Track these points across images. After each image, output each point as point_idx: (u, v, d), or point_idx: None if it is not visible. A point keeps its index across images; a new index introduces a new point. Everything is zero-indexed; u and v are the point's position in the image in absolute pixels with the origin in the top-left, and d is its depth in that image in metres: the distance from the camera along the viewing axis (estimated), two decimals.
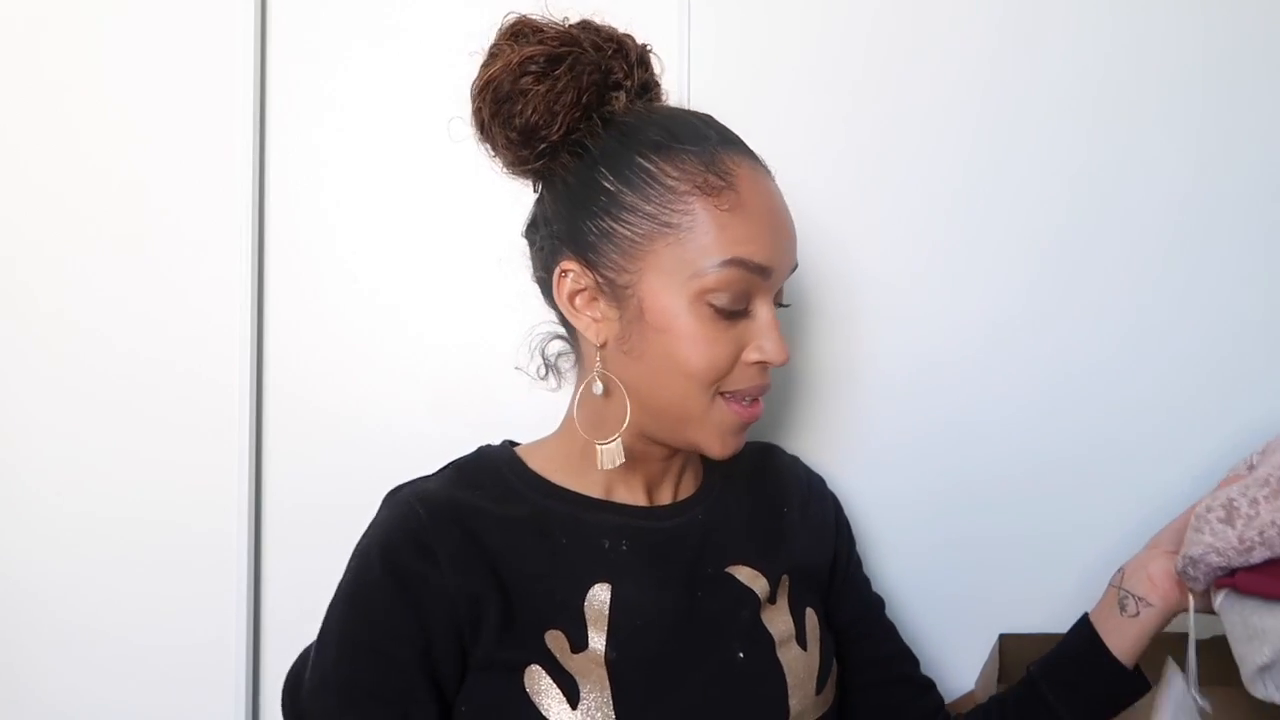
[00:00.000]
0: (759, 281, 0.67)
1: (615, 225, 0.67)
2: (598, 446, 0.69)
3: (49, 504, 0.97)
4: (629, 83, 0.70)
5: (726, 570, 0.74)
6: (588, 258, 0.68)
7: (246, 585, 0.96)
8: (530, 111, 0.67)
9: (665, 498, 0.76)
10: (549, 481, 0.73)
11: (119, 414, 0.97)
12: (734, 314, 0.67)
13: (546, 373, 0.80)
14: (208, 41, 0.97)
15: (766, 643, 0.72)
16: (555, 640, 0.66)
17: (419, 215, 0.98)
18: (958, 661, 0.96)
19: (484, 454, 0.76)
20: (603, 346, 0.70)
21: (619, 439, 0.69)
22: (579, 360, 0.75)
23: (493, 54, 0.69)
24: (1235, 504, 0.70)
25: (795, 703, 0.71)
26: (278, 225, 0.99)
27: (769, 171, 0.71)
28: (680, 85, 0.95)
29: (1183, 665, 0.76)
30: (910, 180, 0.97)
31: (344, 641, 0.66)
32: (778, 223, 0.69)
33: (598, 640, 0.66)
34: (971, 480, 0.97)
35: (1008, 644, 0.90)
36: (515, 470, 0.74)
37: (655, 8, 0.96)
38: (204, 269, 0.97)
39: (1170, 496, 0.93)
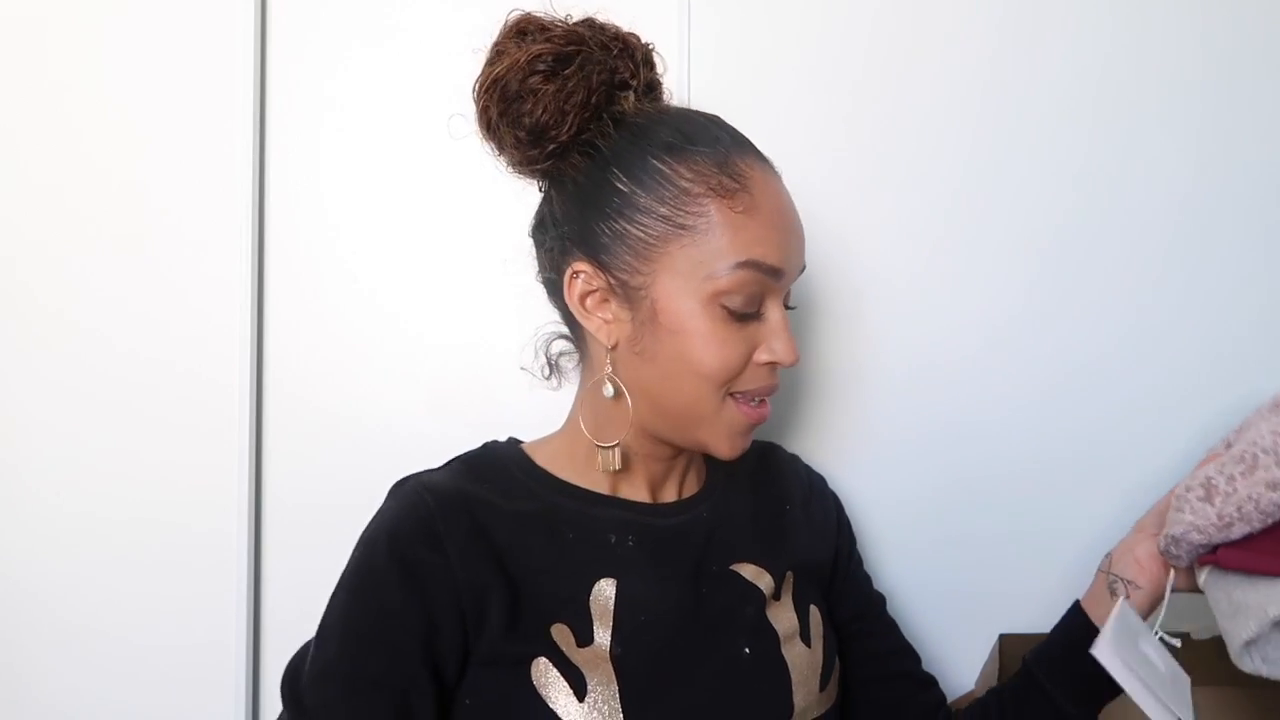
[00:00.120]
0: (771, 283, 0.68)
1: (629, 227, 0.67)
2: (599, 448, 0.70)
3: (49, 504, 0.97)
4: (636, 82, 0.70)
5: (731, 568, 0.74)
6: (600, 259, 0.68)
7: (246, 585, 0.96)
8: (540, 111, 0.67)
9: (670, 496, 0.77)
10: (556, 477, 0.73)
11: (119, 414, 0.97)
12: (746, 316, 0.68)
13: (550, 373, 0.80)
14: (208, 42, 0.97)
15: (771, 638, 0.72)
16: (561, 634, 0.66)
17: (419, 215, 0.98)
18: (958, 661, 0.96)
19: (490, 449, 0.76)
20: (613, 348, 0.70)
21: (618, 448, 0.70)
22: (584, 360, 0.76)
23: (498, 51, 0.69)
24: (1213, 482, 0.71)
25: (799, 699, 0.71)
26: (278, 225, 0.99)
27: (778, 173, 0.71)
28: (680, 85, 0.96)
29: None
30: (910, 180, 0.97)
31: (346, 629, 0.65)
32: (789, 224, 0.70)
33: (603, 635, 0.66)
34: (972, 479, 0.97)
35: (1008, 644, 0.90)
36: (522, 466, 0.74)
37: (655, 7, 0.96)
38: (204, 269, 0.97)
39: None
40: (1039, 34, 0.96)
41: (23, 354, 0.98)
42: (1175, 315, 0.96)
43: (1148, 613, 0.77)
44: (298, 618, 0.95)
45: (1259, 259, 0.95)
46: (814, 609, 0.77)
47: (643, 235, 0.67)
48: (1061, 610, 0.81)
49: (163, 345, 0.97)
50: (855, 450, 0.97)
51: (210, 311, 0.97)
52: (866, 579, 0.87)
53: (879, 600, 0.87)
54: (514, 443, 0.78)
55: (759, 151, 0.71)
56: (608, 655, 0.66)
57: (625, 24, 0.71)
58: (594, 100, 0.68)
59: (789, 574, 0.77)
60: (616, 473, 0.73)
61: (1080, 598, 0.80)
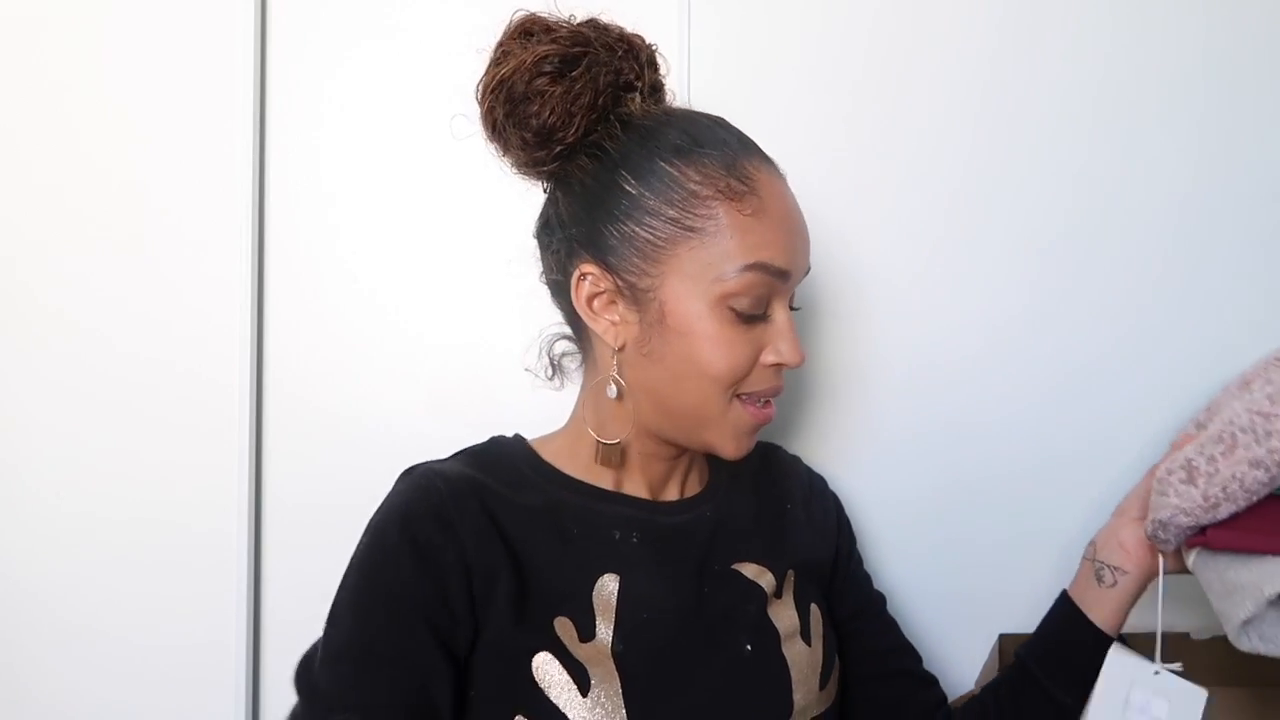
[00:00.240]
0: (778, 285, 0.68)
1: (637, 229, 0.67)
2: (601, 444, 0.71)
3: (49, 504, 0.97)
4: (641, 84, 0.70)
5: (733, 567, 0.74)
6: (608, 261, 0.69)
7: (246, 585, 0.96)
8: (548, 113, 0.67)
9: (672, 495, 0.77)
10: (561, 472, 0.73)
11: (119, 414, 0.97)
12: (753, 318, 0.68)
13: (553, 374, 0.80)
14: (208, 42, 0.97)
15: (772, 637, 0.72)
16: (563, 627, 0.66)
17: (419, 215, 0.98)
18: (958, 661, 0.96)
19: (497, 443, 0.76)
20: (620, 349, 0.70)
21: (620, 445, 0.71)
22: (587, 361, 0.76)
23: (503, 52, 0.69)
24: (1194, 463, 0.71)
25: (799, 697, 0.71)
26: (278, 225, 0.99)
27: (784, 175, 0.72)
28: (680, 85, 0.96)
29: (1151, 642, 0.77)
30: (910, 180, 0.97)
31: (358, 609, 0.65)
32: (795, 226, 0.70)
33: (605, 630, 0.67)
34: (972, 480, 0.97)
35: (1007, 644, 0.91)
36: (528, 460, 0.74)
37: (656, 7, 0.96)
38: (204, 269, 0.97)
39: None
40: (1039, 34, 0.96)
41: (23, 354, 0.97)
42: (1175, 315, 0.96)
43: (1137, 596, 0.77)
44: (298, 618, 0.96)
45: (1259, 259, 0.95)
46: (814, 608, 0.77)
47: (651, 237, 0.67)
48: None
49: (163, 345, 0.97)
50: (856, 450, 0.97)
51: (210, 311, 0.97)
52: (866, 578, 0.87)
53: (879, 599, 0.87)
54: (519, 438, 0.78)
55: (765, 154, 0.71)
56: (609, 651, 0.66)
57: (626, 24, 0.72)
58: (600, 102, 0.68)
59: (790, 573, 0.77)
60: (619, 470, 0.73)
61: (1066, 588, 0.81)
